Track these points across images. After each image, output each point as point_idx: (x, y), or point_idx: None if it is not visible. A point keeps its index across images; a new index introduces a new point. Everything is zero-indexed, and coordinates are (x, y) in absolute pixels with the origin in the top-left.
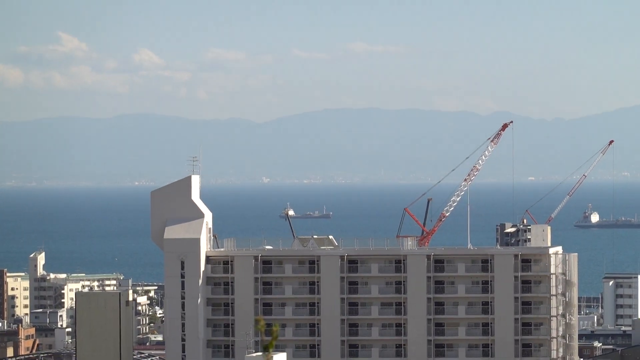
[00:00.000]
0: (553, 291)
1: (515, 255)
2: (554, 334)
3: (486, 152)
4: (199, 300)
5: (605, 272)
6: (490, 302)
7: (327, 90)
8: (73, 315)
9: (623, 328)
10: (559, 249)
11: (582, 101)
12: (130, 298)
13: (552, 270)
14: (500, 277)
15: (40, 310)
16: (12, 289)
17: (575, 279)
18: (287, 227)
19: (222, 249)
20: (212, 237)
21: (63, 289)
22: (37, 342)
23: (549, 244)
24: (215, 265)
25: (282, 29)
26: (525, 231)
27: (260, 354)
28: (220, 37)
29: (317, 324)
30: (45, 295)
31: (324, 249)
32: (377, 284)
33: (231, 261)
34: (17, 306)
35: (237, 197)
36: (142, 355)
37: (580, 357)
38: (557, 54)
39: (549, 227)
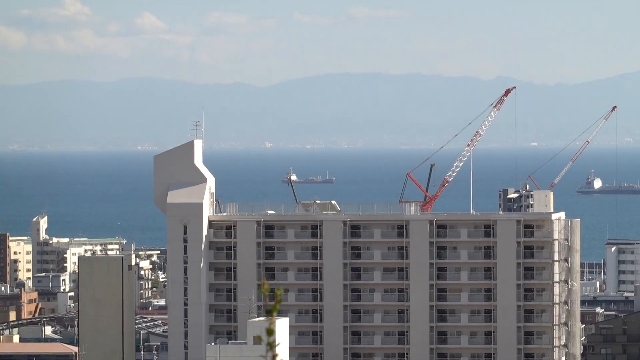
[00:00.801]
0: (555, 257)
1: (518, 221)
2: (556, 299)
3: (489, 118)
4: (201, 265)
5: (608, 238)
6: (493, 267)
7: (330, 55)
8: (75, 280)
9: (625, 294)
10: (562, 214)
11: (585, 66)
12: (133, 262)
13: (555, 236)
14: (503, 243)
15: (43, 274)
16: (15, 253)
17: (577, 245)
18: (290, 192)
19: (224, 214)
20: (214, 202)
21: (65, 253)
22: (40, 306)
23: (552, 210)
24: (217, 230)
25: None
26: (527, 197)
27: (262, 318)
28: (222, 0)
29: (320, 289)
30: (48, 260)
31: (327, 214)
32: (379, 250)
33: (233, 226)
34: (19, 270)
35: (240, 162)
36: (145, 319)
37: (582, 323)
38: (560, 19)
39: (551, 193)
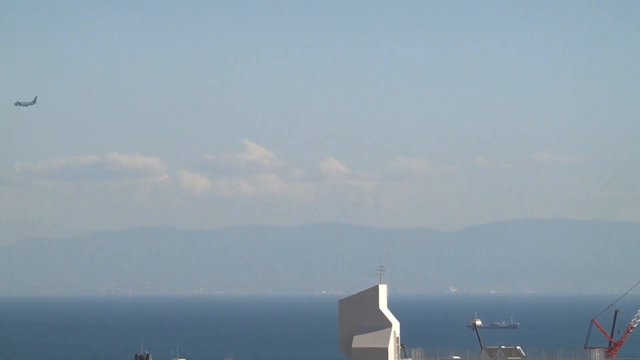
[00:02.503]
0: None
1: None
2: None
3: None
4: None
5: None
6: None
7: (513, 200)
8: None
9: None
10: None
11: None
12: None
13: None
14: None
15: None
16: None
17: None
18: (475, 337)
19: (409, 359)
20: (399, 347)
21: None
22: None
23: None
24: None
25: (466, 139)
26: None
27: None
28: (406, 146)
29: None
30: None
31: None
32: None
33: None
34: None
35: (424, 307)
36: None
37: None
38: None
39: None
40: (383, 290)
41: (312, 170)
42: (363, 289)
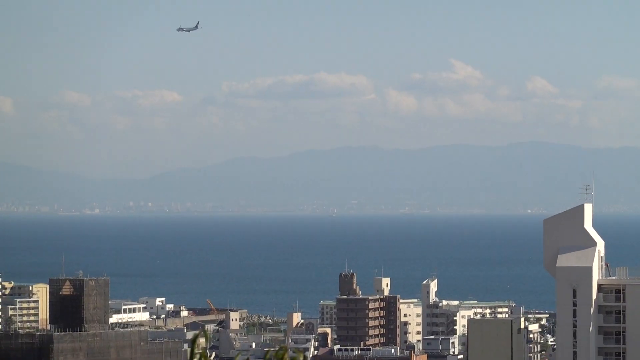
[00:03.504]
0: None
1: None
2: None
3: None
4: (590, 329)
5: None
6: None
7: None
8: (465, 342)
9: None
10: None
11: None
12: (522, 326)
13: None
14: None
15: (432, 336)
16: (405, 315)
17: None
18: None
19: (614, 278)
20: (604, 266)
21: (455, 316)
22: None
23: None
24: (606, 294)
25: None
26: None
27: None
28: (613, 64)
29: None
30: (438, 322)
31: None
32: None
33: (623, 290)
34: (409, 332)
35: (630, 226)
36: None
37: None
38: None
39: None
40: (588, 209)
41: (519, 89)
42: (568, 208)
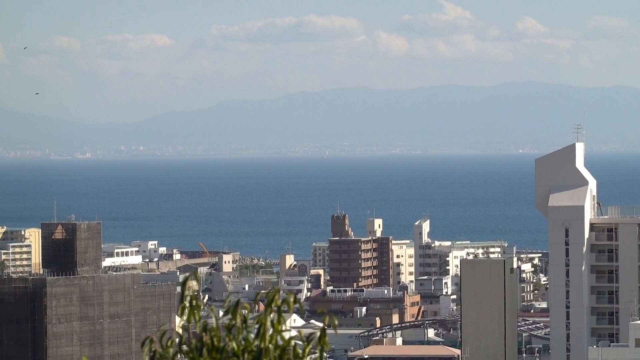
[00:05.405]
0: None
1: None
2: None
3: None
4: (583, 268)
5: None
6: None
7: None
8: (458, 283)
9: None
10: None
11: None
12: (515, 265)
13: None
14: None
15: (425, 277)
16: (398, 256)
17: None
18: None
19: (606, 217)
20: (596, 205)
21: (448, 256)
22: (422, 308)
23: None
24: (599, 233)
25: None
26: None
27: None
28: (603, 3)
29: None
30: (430, 263)
31: None
32: None
33: (615, 229)
34: (402, 273)
35: (621, 164)
36: (527, 322)
37: None
38: None
39: None
40: (580, 148)
41: (509, 29)
42: (559, 148)
